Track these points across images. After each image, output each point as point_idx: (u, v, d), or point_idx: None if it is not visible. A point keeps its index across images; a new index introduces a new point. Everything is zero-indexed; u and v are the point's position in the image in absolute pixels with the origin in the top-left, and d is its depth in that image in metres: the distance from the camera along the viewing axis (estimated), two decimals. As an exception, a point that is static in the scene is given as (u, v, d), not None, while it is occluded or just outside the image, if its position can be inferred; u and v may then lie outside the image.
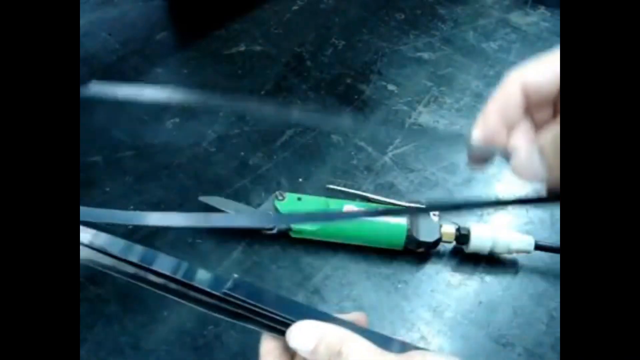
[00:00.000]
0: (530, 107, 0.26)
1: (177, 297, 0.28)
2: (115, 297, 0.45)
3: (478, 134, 0.26)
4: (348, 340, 0.25)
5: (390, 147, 0.60)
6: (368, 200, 0.53)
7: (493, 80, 0.68)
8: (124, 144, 0.58)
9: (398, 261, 0.50)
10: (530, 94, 0.26)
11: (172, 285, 0.28)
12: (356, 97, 0.65)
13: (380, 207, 0.51)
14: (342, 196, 0.53)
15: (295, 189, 0.54)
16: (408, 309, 0.47)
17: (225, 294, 0.27)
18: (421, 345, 0.42)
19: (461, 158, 0.59)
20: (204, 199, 0.51)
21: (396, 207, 0.50)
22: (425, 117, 0.63)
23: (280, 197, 0.50)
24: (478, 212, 0.54)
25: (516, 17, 0.79)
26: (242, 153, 0.58)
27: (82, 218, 0.25)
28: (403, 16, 0.78)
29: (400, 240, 0.49)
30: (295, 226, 0.49)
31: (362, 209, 0.51)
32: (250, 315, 0.28)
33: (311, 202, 0.50)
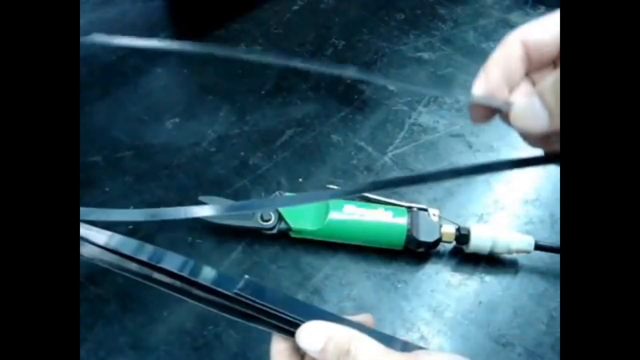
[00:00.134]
0: (531, 68, 0.26)
1: (188, 296, 0.28)
2: (115, 297, 0.45)
3: (479, 88, 0.26)
4: (356, 339, 0.26)
5: (390, 147, 0.60)
6: (368, 200, 0.53)
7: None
8: (123, 144, 0.58)
9: (398, 261, 0.50)
10: (531, 52, 0.25)
11: (185, 286, 0.28)
12: (356, 97, 0.65)
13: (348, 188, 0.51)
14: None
15: (295, 189, 0.54)
16: (408, 309, 0.47)
17: (236, 294, 0.27)
18: (421, 345, 0.42)
19: (461, 158, 0.59)
20: (203, 198, 0.51)
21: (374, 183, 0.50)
22: (425, 117, 0.63)
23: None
24: (478, 176, 0.53)
25: (516, 17, 0.79)
26: (242, 153, 0.58)
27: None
28: (403, 16, 0.78)
29: (400, 240, 0.49)
30: (295, 226, 0.49)
31: (316, 192, 0.51)
32: (260, 316, 0.28)
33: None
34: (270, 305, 0.27)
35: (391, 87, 0.67)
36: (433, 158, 0.59)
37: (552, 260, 0.50)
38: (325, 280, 0.48)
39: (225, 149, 0.58)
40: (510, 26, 0.77)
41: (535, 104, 0.23)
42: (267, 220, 0.49)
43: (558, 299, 0.47)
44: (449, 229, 0.49)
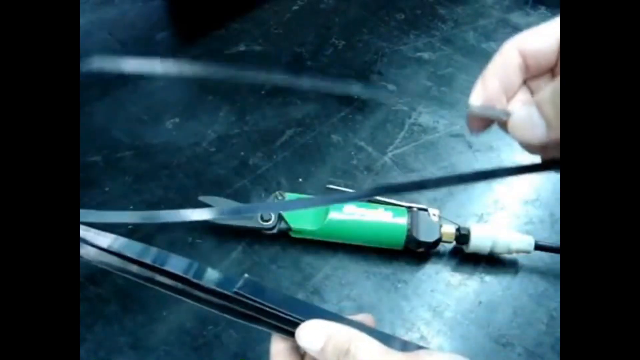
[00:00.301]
0: (529, 76, 0.26)
1: (189, 298, 0.28)
2: (115, 297, 0.45)
3: (477, 97, 0.26)
4: (356, 339, 0.26)
5: (390, 147, 0.60)
6: (368, 200, 0.53)
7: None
8: (123, 144, 0.58)
9: (398, 261, 0.50)
10: (528, 60, 0.25)
11: (186, 287, 0.28)
12: (356, 97, 0.65)
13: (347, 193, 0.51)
14: (342, 196, 0.53)
15: (295, 189, 0.54)
16: (408, 309, 0.47)
17: (236, 293, 0.27)
18: (421, 345, 0.42)
19: (461, 158, 0.59)
20: (203, 198, 0.51)
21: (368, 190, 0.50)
22: (425, 117, 0.63)
23: (280, 197, 0.50)
24: (476, 183, 0.53)
25: (516, 18, 0.79)
26: (242, 153, 0.58)
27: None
28: (403, 16, 0.78)
29: (400, 240, 0.49)
30: (295, 226, 0.49)
31: (316, 197, 0.51)
32: (260, 316, 0.28)
33: (311, 202, 0.50)
34: (269, 305, 0.27)
35: (391, 87, 0.67)
36: (433, 158, 0.59)
37: (552, 260, 0.50)
38: (325, 280, 0.48)
39: (225, 149, 0.58)
40: (511, 26, 0.77)
41: (533, 115, 0.23)
42: (267, 220, 0.49)
43: (558, 299, 0.47)
44: (449, 229, 0.49)
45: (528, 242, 0.48)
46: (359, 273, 0.49)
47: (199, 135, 0.59)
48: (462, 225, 0.49)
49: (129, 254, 0.28)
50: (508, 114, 0.24)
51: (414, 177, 0.57)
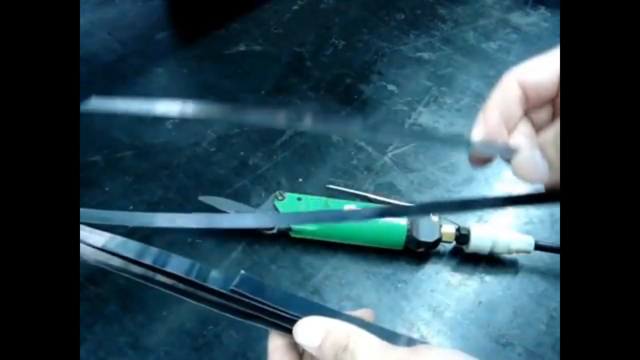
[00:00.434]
0: (529, 107, 0.26)
1: (189, 297, 0.28)
2: (115, 297, 0.45)
3: (478, 133, 0.26)
4: (354, 335, 0.25)
5: (390, 147, 0.60)
6: (368, 200, 0.53)
7: (493, 80, 0.67)
8: (123, 144, 0.58)
9: (398, 261, 0.50)
10: (528, 93, 0.26)
11: (189, 288, 0.28)
12: (356, 97, 0.65)
13: (383, 207, 0.51)
14: (342, 196, 0.53)
15: (295, 189, 0.54)
16: (408, 309, 0.47)
17: (232, 290, 0.27)
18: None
19: (461, 158, 0.59)
20: (203, 198, 0.51)
21: (400, 207, 0.50)
22: (425, 117, 0.63)
23: (280, 197, 0.50)
24: (477, 212, 0.54)
25: (516, 17, 0.79)
26: (242, 153, 0.58)
27: (99, 221, 0.25)
28: (403, 16, 0.78)
29: (400, 240, 0.49)
30: (295, 226, 0.49)
31: (368, 208, 0.51)
32: (257, 313, 0.28)
33: (311, 202, 0.50)
34: (267, 302, 0.27)
35: (391, 88, 0.67)
36: (433, 158, 0.59)
37: (552, 260, 0.50)
38: (325, 280, 0.48)
39: (225, 149, 0.58)
40: (511, 26, 0.77)
41: (537, 157, 0.23)
42: (267, 220, 0.49)
43: (558, 299, 0.47)
44: (449, 229, 0.49)
45: (528, 242, 0.48)
46: (359, 273, 0.49)
47: (199, 135, 0.59)
48: (462, 225, 0.49)
49: (127, 255, 0.28)
50: (511, 152, 0.24)
51: (413, 177, 0.57)
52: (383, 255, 0.50)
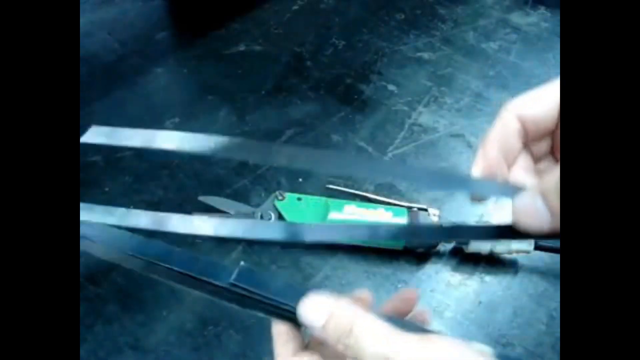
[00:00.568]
0: (528, 140, 0.26)
1: (189, 286, 0.28)
2: (115, 297, 0.45)
3: (478, 168, 0.26)
4: (360, 317, 0.23)
5: (391, 147, 0.60)
6: (368, 200, 0.53)
7: (493, 80, 0.68)
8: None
9: (398, 261, 0.50)
10: (527, 126, 0.26)
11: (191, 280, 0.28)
12: (356, 97, 0.65)
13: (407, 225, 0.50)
14: (342, 196, 0.53)
15: (295, 188, 0.54)
16: (408, 309, 0.47)
17: (231, 284, 0.27)
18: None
19: (461, 158, 0.59)
20: (203, 198, 0.51)
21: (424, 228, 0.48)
22: (425, 117, 0.63)
23: (280, 197, 0.50)
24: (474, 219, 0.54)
25: (516, 18, 0.79)
26: (242, 153, 0.58)
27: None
28: (403, 16, 0.78)
29: (400, 241, 0.49)
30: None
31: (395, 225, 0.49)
32: (257, 304, 0.27)
33: (311, 202, 0.50)
34: (267, 295, 0.27)
35: (391, 87, 0.67)
36: (433, 158, 0.59)
37: (552, 260, 0.50)
38: (325, 280, 0.48)
39: (225, 149, 0.58)
40: (510, 26, 0.77)
41: (538, 204, 0.22)
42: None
43: (558, 299, 0.47)
44: (449, 229, 0.49)
45: (528, 242, 0.48)
46: (359, 273, 0.49)
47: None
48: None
49: (130, 247, 0.28)
50: (513, 191, 0.24)
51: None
52: (383, 255, 0.50)
